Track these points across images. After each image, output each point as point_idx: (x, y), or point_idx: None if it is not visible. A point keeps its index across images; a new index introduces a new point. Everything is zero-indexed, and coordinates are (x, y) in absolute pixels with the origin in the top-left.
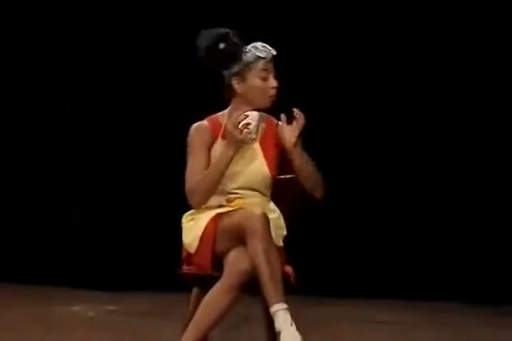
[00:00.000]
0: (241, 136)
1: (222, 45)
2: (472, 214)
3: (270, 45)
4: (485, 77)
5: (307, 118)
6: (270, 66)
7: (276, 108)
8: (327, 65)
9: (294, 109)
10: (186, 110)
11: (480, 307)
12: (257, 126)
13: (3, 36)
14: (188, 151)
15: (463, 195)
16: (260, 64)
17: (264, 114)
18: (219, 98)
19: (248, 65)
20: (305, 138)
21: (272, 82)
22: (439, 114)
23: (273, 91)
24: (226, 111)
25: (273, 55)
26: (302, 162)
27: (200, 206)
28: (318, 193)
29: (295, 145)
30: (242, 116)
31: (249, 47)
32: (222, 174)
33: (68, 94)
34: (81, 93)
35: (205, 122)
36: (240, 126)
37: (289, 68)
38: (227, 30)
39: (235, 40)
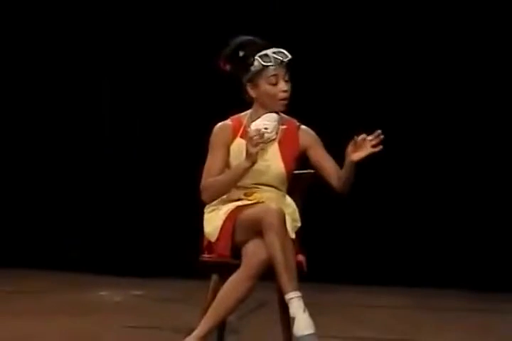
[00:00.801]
0: (254, 150)
1: (241, 53)
2: (468, 203)
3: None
4: (485, 77)
5: (313, 117)
6: (280, 71)
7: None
8: (329, 65)
9: (379, 132)
10: (214, 109)
11: (476, 293)
12: (276, 127)
13: (29, 27)
14: (209, 148)
15: (459, 186)
16: (269, 70)
17: (285, 116)
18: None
19: (258, 73)
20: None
21: (281, 86)
22: (441, 113)
23: (283, 95)
24: (249, 111)
25: (283, 60)
26: (351, 174)
27: (209, 202)
28: (343, 193)
29: (355, 162)
30: (254, 131)
31: (260, 54)
32: (235, 182)
33: (93, 94)
34: (106, 87)
35: (228, 122)
36: (255, 138)
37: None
38: (251, 38)
39: (255, 47)
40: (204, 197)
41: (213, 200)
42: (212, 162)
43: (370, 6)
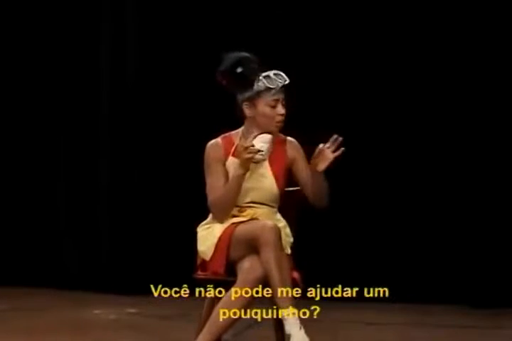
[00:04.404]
0: (247, 156)
1: (239, 69)
2: (468, 217)
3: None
4: (485, 78)
5: (310, 121)
6: (280, 95)
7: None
8: (325, 67)
9: (335, 137)
10: (206, 126)
11: (474, 310)
12: (269, 148)
13: (31, 28)
14: (205, 169)
15: (459, 198)
16: (270, 93)
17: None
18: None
19: (259, 94)
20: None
21: (280, 110)
22: (439, 117)
23: (280, 118)
24: (240, 130)
25: (284, 84)
26: (319, 183)
27: (224, 219)
28: (321, 204)
29: (321, 171)
30: (250, 141)
31: (262, 75)
32: (237, 190)
33: (91, 110)
34: (105, 106)
35: (218, 140)
36: (248, 149)
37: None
38: (248, 54)
39: (253, 65)
40: (215, 212)
41: (226, 214)
42: (214, 179)
43: (364, 12)
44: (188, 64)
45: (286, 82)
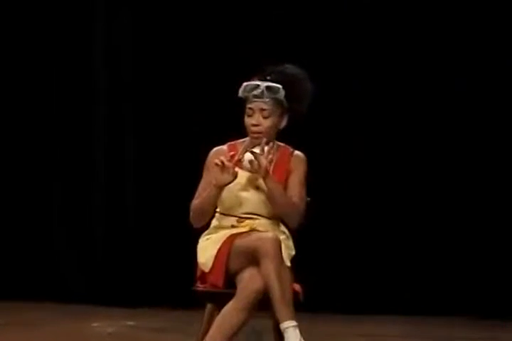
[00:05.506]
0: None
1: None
2: (471, 230)
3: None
4: (485, 79)
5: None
6: (257, 104)
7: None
8: (325, 67)
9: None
10: (203, 133)
11: (480, 321)
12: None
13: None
14: (203, 172)
15: (464, 210)
16: (248, 102)
17: (280, 144)
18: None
19: (245, 101)
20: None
21: (252, 120)
22: (437, 122)
23: (254, 129)
24: (248, 138)
25: (260, 96)
26: (271, 192)
27: (197, 225)
28: (289, 224)
29: (263, 175)
30: (241, 151)
31: (248, 83)
32: (215, 199)
33: (85, 112)
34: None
35: (224, 147)
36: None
37: None
38: (277, 66)
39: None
40: (192, 216)
41: (200, 220)
42: (203, 186)
43: (365, 15)
44: (184, 64)
45: (271, 96)
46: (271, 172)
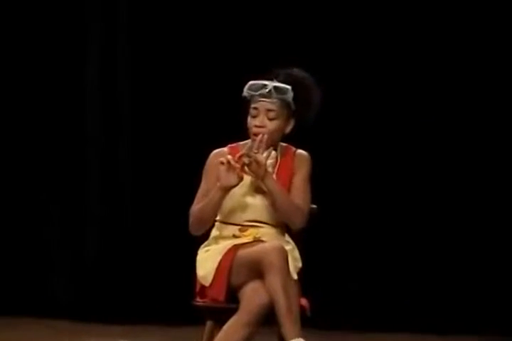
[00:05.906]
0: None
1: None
2: (482, 246)
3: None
4: (485, 78)
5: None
6: (263, 104)
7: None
8: (324, 67)
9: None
10: (202, 137)
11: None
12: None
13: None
14: (203, 175)
15: (472, 222)
16: (253, 101)
17: (283, 144)
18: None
19: (249, 101)
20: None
21: (256, 121)
22: (443, 126)
23: (255, 130)
24: (249, 140)
25: (268, 95)
26: (272, 193)
27: (197, 233)
28: (290, 225)
29: (262, 174)
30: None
31: (253, 82)
32: (218, 203)
33: (78, 116)
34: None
35: (224, 149)
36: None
37: None
38: (285, 69)
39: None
40: (191, 222)
41: (201, 227)
42: (203, 189)
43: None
44: (184, 64)
45: (265, 92)
46: (275, 175)
